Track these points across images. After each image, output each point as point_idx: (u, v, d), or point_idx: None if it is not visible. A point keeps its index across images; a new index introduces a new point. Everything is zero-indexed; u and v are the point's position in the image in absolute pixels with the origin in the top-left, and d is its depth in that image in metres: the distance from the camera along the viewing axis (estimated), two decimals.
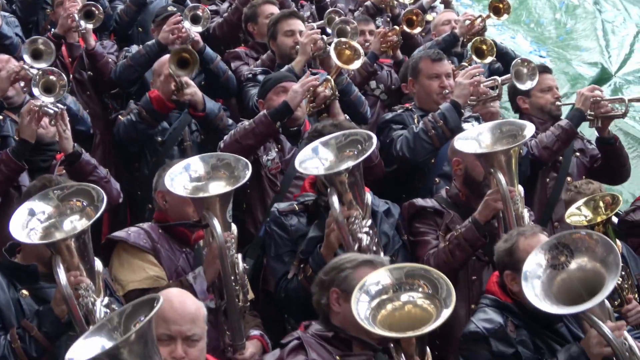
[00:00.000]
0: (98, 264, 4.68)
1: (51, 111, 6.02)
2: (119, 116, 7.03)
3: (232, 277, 4.97)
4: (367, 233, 5.09)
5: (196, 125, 7.13)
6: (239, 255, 5.03)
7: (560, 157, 7.05)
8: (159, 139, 7.00)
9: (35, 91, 6.35)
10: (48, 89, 6.38)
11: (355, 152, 5.16)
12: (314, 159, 5.24)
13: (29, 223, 4.54)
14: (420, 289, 4.10)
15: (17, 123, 6.73)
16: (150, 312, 3.49)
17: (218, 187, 5.03)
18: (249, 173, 5.03)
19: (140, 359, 3.45)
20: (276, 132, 6.55)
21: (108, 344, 3.45)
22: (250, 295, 5.54)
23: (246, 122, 6.53)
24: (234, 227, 5.09)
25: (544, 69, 7.44)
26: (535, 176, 6.97)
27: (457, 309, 5.32)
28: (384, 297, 4.11)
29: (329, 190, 5.07)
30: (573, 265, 4.32)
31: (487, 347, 4.78)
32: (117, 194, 6.31)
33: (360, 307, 4.08)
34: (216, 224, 4.85)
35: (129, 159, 7.07)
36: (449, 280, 4.11)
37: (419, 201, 5.86)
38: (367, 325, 4.02)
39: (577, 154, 7.21)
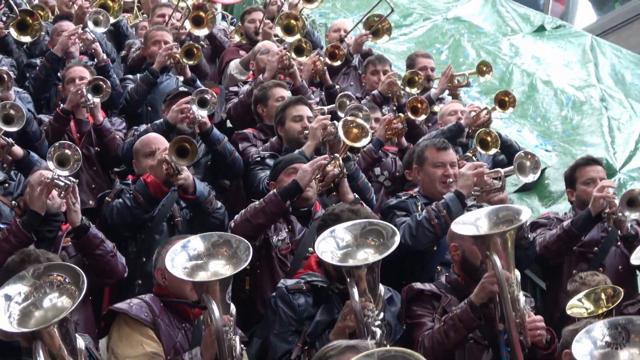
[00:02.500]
0: (80, 342, 4.61)
1: (62, 183, 6.07)
2: (107, 197, 6.96)
3: None
4: (380, 327, 5.07)
5: (185, 203, 7.10)
6: (237, 338, 4.97)
7: (595, 248, 7.02)
8: (147, 215, 6.92)
9: (50, 164, 6.40)
10: (62, 162, 6.44)
11: (376, 243, 5.17)
12: (331, 240, 5.25)
13: (7, 308, 4.40)
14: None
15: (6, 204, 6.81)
16: None
17: (218, 266, 5.00)
18: (250, 256, 4.98)
19: None
20: (286, 211, 6.57)
21: None
22: None
23: (257, 202, 6.55)
24: (232, 308, 5.04)
25: (587, 162, 7.46)
26: (560, 267, 7.00)
27: None
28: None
29: (348, 281, 5.05)
30: (624, 351, 4.27)
31: None
32: (122, 269, 6.30)
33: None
34: (214, 308, 4.80)
35: (116, 236, 6.89)
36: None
37: (418, 285, 5.85)
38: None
39: (619, 243, 7.14)
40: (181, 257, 5.03)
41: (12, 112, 7.32)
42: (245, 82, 9.92)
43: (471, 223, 5.49)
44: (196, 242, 5.08)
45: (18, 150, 7.32)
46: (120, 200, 6.81)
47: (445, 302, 5.66)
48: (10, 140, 6.84)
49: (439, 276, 6.40)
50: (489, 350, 5.59)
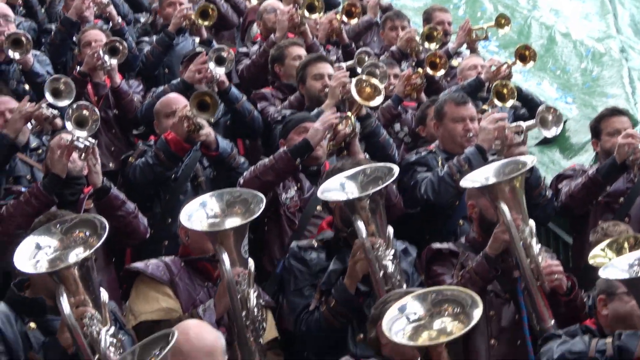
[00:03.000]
0: (104, 295, 4.66)
1: (81, 145, 6.07)
2: (130, 158, 7.01)
3: (244, 313, 4.92)
4: (391, 261, 5.14)
5: (208, 160, 7.15)
6: (253, 291, 4.98)
7: (621, 199, 6.97)
8: (172, 176, 6.97)
9: (68, 125, 6.40)
10: (80, 123, 6.44)
11: (378, 185, 5.23)
12: (338, 191, 5.30)
13: (35, 255, 4.55)
14: (447, 313, 4.15)
15: (26, 164, 6.85)
16: (165, 346, 3.51)
17: (233, 223, 5.02)
18: (262, 207, 5.01)
19: None
20: (296, 169, 6.57)
21: None
22: (273, 334, 5.56)
23: (266, 159, 6.57)
24: (250, 262, 5.05)
25: (612, 112, 7.39)
26: (586, 218, 6.95)
27: (477, 344, 5.53)
28: (420, 323, 4.15)
29: (353, 217, 5.10)
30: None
31: (557, 340, 5.03)
32: (144, 229, 6.32)
33: (396, 326, 4.14)
34: (225, 258, 4.83)
35: (141, 197, 6.96)
36: (470, 293, 4.20)
37: (436, 245, 5.88)
38: (396, 338, 4.08)
39: None
40: (199, 214, 5.06)
41: (61, 86, 7.29)
42: (253, 43, 9.89)
43: (479, 178, 5.51)
44: (212, 203, 5.10)
45: (58, 121, 7.31)
46: (143, 159, 6.84)
47: (463, 258, 5.68)
48: (56, 112, 6.82)
49: (462, 230, 6.41)
50: (510, 303, 5.61)
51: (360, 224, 5.08)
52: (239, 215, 5.03)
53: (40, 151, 7.04)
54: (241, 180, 6.48)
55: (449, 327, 4.12)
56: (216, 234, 4.92)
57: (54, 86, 7.23)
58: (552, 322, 5.35)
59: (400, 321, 4.18)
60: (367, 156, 7.05)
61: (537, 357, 5.28)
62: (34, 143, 7.07)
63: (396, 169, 5.26)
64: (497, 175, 5.42)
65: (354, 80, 7.13)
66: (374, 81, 7.28)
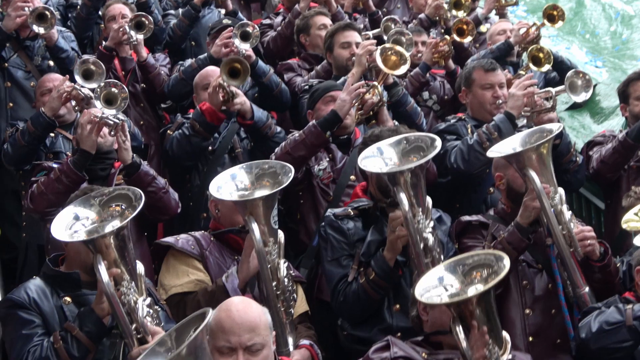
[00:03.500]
0: (140, 267, 4.70)
1: (111, 122, 6.11)
2: (168, 131, 7.07)
3: (274, 283, 4.93)
4: (431, 233, 5.11)
5: (245, 132, 7.17)
6: (283, 262, 4.99)
7: None
8: (210, 148, 7.01)
9: (97, 103, 6.42)
10: (109, 101, 6.45)
11: (419, 157, 5.16)
12: (377, 158, 5.24)
13: (72, 226, 4.59)
14: (477, 279, 4.14)
15: (68, 140, 6.88)
16: (200, 325, 3.49)
17: (262, 194, 5.03)
18: (291, 176, 5.00)
19: None
20: (327, 142, 6.57)
21: None
22: (303, 308, 5.58)
23: (296, 134, 6.57)
24: (280, 234, 5.06)
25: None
26: (618, 183, 6.91)
27: (510, 314, 5.51)
28: (454, 291, 4.15)
29: (395, 188, 5.05)
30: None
31: (595, 312, 5.07)
32: (175, 204, 6.36)
33: (433, 292, 4.15)
34: (254, 227, 4.83)
35: (180, 170, 7.09)
36: (494, 251, 4.23)
37: (465, 217, 5.86)
38: (427, 300, 4.11)
39: None
40: (228, 186, 5.06)
41: (92, 67, 7.30)
42: (276, 14, 9.85)
43: (506, 149, 5.47)
44: (241, 175, 5.10)
45: (95, 103, 7.38)
46: (180, 131, 6.89)
47: (493, 229, 5.66)
48: (89, 93, 6.82)
49: (492, 198, 6.38)
50: (542, 273, 5.59)
51: (403, 197, 5.01)
52: (268, 187, 5.03)
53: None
54: (273, 157, 6.49)
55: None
56: (245, 204, 4.92)
57: (84, 68, 7.23)
58: (587, 288, 5.34)
59: (436, 290, 4.17)
60: (396, 123, 7.02)
61: (575, 329, 5.29)
62: None
63: (439, 141, 5.18)
64: (523, 144, 5.38)
65: (378, 48, 7.09)
66: (399, 49, 7.21)
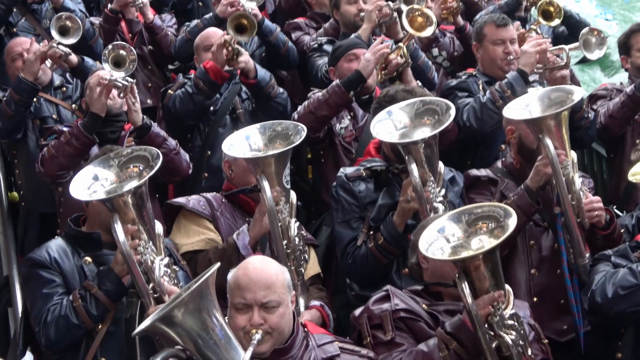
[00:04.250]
0: (158, 227, 4.71)
1: (120, 84, 6.08)
2: (169, 90, 7.00)
3: (285, 242, 4.95)
4: (442, 202, 5.11)
5: (246, 93, 7.13)
6: (294, 221, 5.00)
7: None
8: (211, 108, 6.97)
9: (106, 66, 6.40)
10: (117, 64, 6.43)
11: (432, 121, 5.14)
12: (388, 122, 5.22)
13: (91, 186, 4.61)
14: (482, 230, 4.13)
15: (51, 103, 6.91)
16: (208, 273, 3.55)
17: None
18: (304, 134, 5.01)
19: (194, 318, 3.52)
20: (350, 102, 6.55)
21: None
22: (315, 270, 5.59)
23: (319, 93, 6.54)
24: (293, 194, 5.07)
25: None
26: (623, 137, 6.87)
27: (516, 274, 5.51)
28: (459, 242, 4.13)
29: (406, 158, 5.04)
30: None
31: (607, 262, 5.08)
32: (186, 165, 6.37)
33: (435, 245, 4.13)
34: (266, 185, 4.83)
35: (181, 131, 7.04)
36: (502, 205, 4.19)
37: (473, 172, 5.85)
38: (433, 255, 4.08)
39: None
40: (242, 145, 5.06)
41: (68, 23, 7.25)
42: None
43: (523, 107, 5.41)
44: (255, 136, 5.10)
45: (73, 58, 7.35)
46: (183, 89, 6.86)
47: (502, 186, 5.63)
48: (67, 49, 6.82)
49: (504, 155, 6.33)
50: (548, 232, 5.58)
51: (414, 167, 5.02)
52: (280, 148, 5.02)
53: (64, 89, 7.10)
54: (295, 116, 6.49)
55: (487, 243, 4.09)
56: (257, 161, 4.93)
57: (60, 24, 7.20)
58: (588, 256, 5.36)
59: (438, 242, 4.15)
60: (420, 84, 6.99)
61: (575, 295, 5.32)
62: (57, 81, 7.10)
63: (453, 108, 5.17)
64: (542, 102, 5.33)
65: (405, 10, 7.06)
66: (426, 11, 7.22)
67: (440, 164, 5.25)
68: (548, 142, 5.15)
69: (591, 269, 5.17)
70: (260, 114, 6.86)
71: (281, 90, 7.08)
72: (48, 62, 6.90)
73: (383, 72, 6.86)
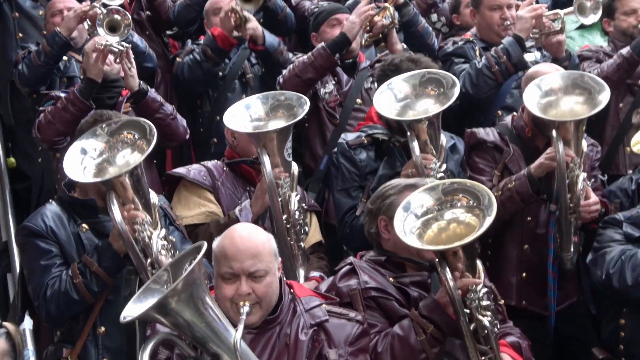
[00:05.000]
0: (153, 197, 4.71)
1: (116, 49, 6.07)
2: (177, 58, 7.03)
3: (285, 216, 4.98)
4: (442, 179, 5.08)
5: (255, 58, 7.14)
6: (295, 195, 5.03)
7: (639, 81, 6.88)
8: (220, 74, 6.99)
9: (100, 31, 6.38)
10: (113, 28, 6.42)
11: (437, 93, 5.17)
12: (388, 93, 5.26)
13: (82, 161, 4.58)
14: (459, 203, 4.11)
15: (81, 64, 6.83)
16: (195, 258, 3.55)
17: (277, 126, 5.04)
18: (306, 108, 5.04)
19: (188, 306, 3.53)
20: (335, 64, 6.57)
21: None
22: (317, 238, 5.63)
23: (304, 56, 6.55)
24: (294, 166, 5.09)
25: None
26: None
27: (508, 249, 5.53)
28: (429, 216, 4.11)
29: (408, 134, 5.07)
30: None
31: (618, 229, 5.08)
32: (183, 131, 6.36)
33: (406, 226, 4.08)
34: (266, 160, 4.86)
35: (191, 97, 7.09)
36: (488, 190, 4.13)
37: (481, 132, 5.78)
38: (411, 241, 4.05)
39: None
40: (243, 116, 5.07)
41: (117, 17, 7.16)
42: None
43: (539, 85, 5.36)
44: (256, 105, 5.12)
45: None
46: (191, 56, 6.87)
47: (507, 157, 5.61)
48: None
49: (500, 121, 6.33)
50: (546, 205, 5.57)
51: (415, 145, 5.05)
52: (282, 118, 5.05)
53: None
54: (280, 79, 6.51)
55: (462, 217, 4.09)
56: (259, 136, 4.94)
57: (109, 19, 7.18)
58: (573, 251, 5.42)
59: (408, 220, 4.13)
60: (405, 47, 6.98)
61: (562, 273, 5.41)
62: None
63: (458, 86, 5.18)
64: (565, 81, 5.31)
65: None
66: None
67: (442, 137, 5.27)
68: (559, 146, 5.12)
69: (600, 234, 5.18)
70: (270, 79, 6.88)
71: (290, 55, 7.06)
72: (87, 25, 6.88)
73: (368, 34, 6.86)
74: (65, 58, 6.88)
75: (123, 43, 6.16)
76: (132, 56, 6.14)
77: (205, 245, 3.69)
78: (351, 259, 4.58)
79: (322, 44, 6.53)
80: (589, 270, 5.22)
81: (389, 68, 5.63)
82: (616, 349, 5.11)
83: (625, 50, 6.73)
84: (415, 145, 5.04)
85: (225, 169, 5.59)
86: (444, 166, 5.20)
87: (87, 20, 6.79)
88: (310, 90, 6.54)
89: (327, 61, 6.45)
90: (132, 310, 3.59)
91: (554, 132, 5.15)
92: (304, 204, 5.21)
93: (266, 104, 5.12)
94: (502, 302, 4.63)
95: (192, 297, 3.53)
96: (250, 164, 5.52)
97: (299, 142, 6.77)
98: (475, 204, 4.07)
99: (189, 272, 3.48)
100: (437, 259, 4.09)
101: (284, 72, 6.56)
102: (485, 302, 4.10)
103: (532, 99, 5.29)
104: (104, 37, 6.22)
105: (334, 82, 6.66)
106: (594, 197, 5.41)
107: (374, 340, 4.24)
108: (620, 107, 6.87)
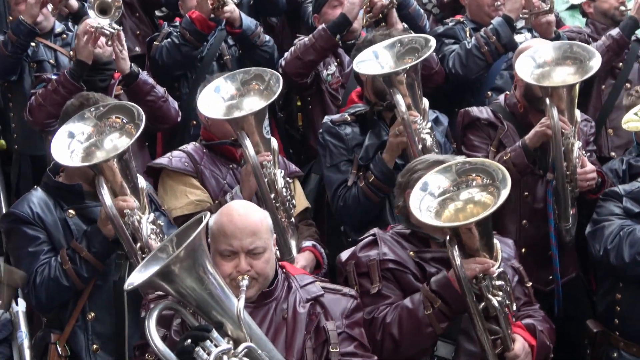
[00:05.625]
0: (141, 181, 4.71)
1: (107, 32, 6.06)
2: (154, 41, 6.96)
3: (272, 195, 5.01)
4: (429, 134, 5.18)
5: (233, 41, 7.12)
6: (278, 172, 5.05)
7: (620, 64, 6.90)
8: (198, 56, 6.95)
9: (91, 13, 6.37)
10: (103, 11, 6.39)
11: (414, 59, 5.19)
12: (373, 62, 5.28)
13: (70, 145, 4.56)
14: (474, 183, 4.13)
15: (50, 48, 6.86)
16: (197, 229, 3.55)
17: (252, 103, 5.05)
18: (280, 85, 5.04)
19: (190, 273, 3.53)
20: (336, 46, 6.58)
21: None
22: (303, 205, 5.64)
23: (306, 39, 6.56)
24: (274, 141, 5.10)
25: None
26: (590, 83, 6.83)
27: (507, 225, 5.54)
28: (446, 196, 4.14)
29: (391, 90, 5.11)
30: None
31: (618, 203, 5.08)
32: (175, 113, 6.36)
33: (423, 204, 4.11)
34: (248, 144, 4.88)
35: (169, 79, 6.99)
36: (500, 166, 4.15)
37: (474, 111, 5.81)
38: (425, 218, 4.08)
39: None
40: (215, 100, 5.08)
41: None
42: None
43: (532, 56, 5.38)
44: (225, 86, 5.12)
45: (74, 3, 7.36)
46: (169, 40, 6.82)
47: (501, 133, 5.64)
48: None
49: (490, 102, 6.36)
50: (543, 180, 5.62)
51: (399, 98, 5.08)
52: (257, 92, 5.08)
53: (64, 36, 7.02)
54: (282, 62, 6.52)
55: (477, 197, 4.11)
56: (237, 121, 4.96)
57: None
58: (571, 221, 5.46)
59: (426, 199, 4.15)
60: (405, 26, 6.99)
61: (562, 244, 5.44)
62: (58, 28, 7.03)
63: (433, 41, 5.23)
64: (557, 53, 5.34)
65: None
66: None
67: (425, 100, 5.31)
68: (554, 111, 5.16)
69: (600, 206, 5.21)
70: (247, 62, 6.86)
71: (267, 38, 7.06)
72: (50, 7, 6.86)
73: (368, 15, 6.85)
74: (33, 44, 6.81)
75: (114, 25, 6.14)
76: (123, 38, 6.13)
77: (209, 215, 3.72)
78: (375, 230, 4.65)
79: (323, 25, 6.54)
80: (587, 243, 5.25)
81: (363, 45, 5.65)
82: (611, 322, 5.14)
83: (615, 32, 6.74)
84: (399, 98, 5.08)
85: (204, 150, 5.57)
86: (429, 124, 5.25)
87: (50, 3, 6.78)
88: (312, 72, 6.57)
89: (328, 42, 6.45)
90: (136, 278, 3.61)
91: (547, 100, 5.18)
92: (288, 178, 5.25)
93: (235, 81, 5.12)
94: (529, 284, 4.67)
95: (195, 264, 3.54)
96: (230, 144, 5.51)
97: (294, 125, 6.82)
98: (489, 182, 4.10)
99: (191, 240, 3.50)
100: (448, 237, 4.14)
101: (286, 54, 6.58)
102: (497, 282, 4.14)
103: (526, 70, 5.31)
104: (94, 19, 6.20)
105: (336, 63, 6.69)
106: (590, 166, 5.43)
107: (384, 311, 4.32)
108: (603, 89, 6.90)
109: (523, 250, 5.48)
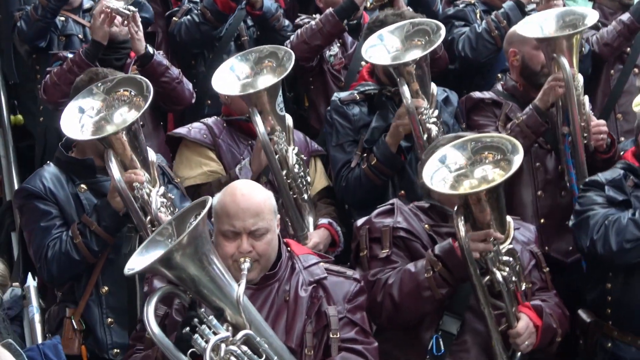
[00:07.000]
0: (151, 154, 4.74)
1: (123, 13, 6.08)
2: (174, 17, 6.97)
3: (284, 172, 5.06)
4: (435, 123, 5.22)
5: (253, 22, 7.14)
6: (292, 149, 5.09)
7: (628, 49, 6.89)
8: (216, 35, 6.97)
9: None
10: None
11: (423, 42, 5.25)
12: (380, 47, 5.33)
13: (80, 120, 4.60)
14: (487, 160, 4.19)
15: (78, 23, 6.87)
16: (200, 213, 3.57)
17: (266, 80, 5.10)
18: (292, 62, 5.10)
19: (192, 260, 3.55)
20: (344, 30, 6.60)
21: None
22: (323, 183, 5.71)
23: (312, 22, 6.57)
24: (289, 118, 5.16)
25: None
26: (599, 68, 6.86)
27: (522, 195, 5.60)
28: (461, 171, 4.20)
29: (398, 80, 5.15)
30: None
31: (601, 192, 4.96)
32: (189, 94, 6.36)
33: (438, 175, 4.19)
34: (258, 120, 4.93)
35: (186, 57, 7.06)
36: (511, 139, 4.21)
37: (476, 94, 5.87)
38: (436, 187, 4.15)
39: None
40: (230, 78, 5.15)
41: None
42: None
43: (537, 23, 5.49)
44: (239, 65, 5.19)
45: None
46: (189, 17, 6.82)
47: (507, 109, 5.67)
48: None
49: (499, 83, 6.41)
50: (552, 154, 5.67)
51: (405, 89, 5.12)
52: (271, 69, 5.13)
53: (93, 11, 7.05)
54: (288, 45, 6.48)
55: (490, 174, 4.16)
56: (249, 96, 5.01)
57: None
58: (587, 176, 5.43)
59: (441, 171, 4.21)
60: (410, 9, 7.00)
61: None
62: (86, 4, 7.05)
63: (443, 29, 5.27)
64: (555, 22, 5.42)
65: None
66: None
67: (433, 85, 5.36)
68: (564, 61, 5.23)
69: (582, 197, 5.12)
70: (265, 43, 6.86)
71: (286, 22, 7.06)
72: None
73: None
74: (62, 18, 6.85)
75: (130, 7, 6.15)
76: (139, 19, 6.13)
77: (211, 200, 3.73)
78: (395, 200, 4.71)
79: (330, 10, 6.53)
80: (573, 235, 5.17)
81: (375, 24, 5.67)
82: (603, 312, 5.06)
83: (625, 17, 6.74)
84: (405, 89, 5.11)
85: (224, 125, 5.64)
86: (436, 112, 5.30)
87: None
88: (317, 56, 6.59)
89: (336, 28, 6.47)
90: (136, 263, 3.62)
91: (560, 57, 5.24)
92: (302, 155, 5.28)
93: (249, 60, 5.17)
94: (546, 270, 4.71)
95: (197, 251, 3.55)
96: (247, 120, 5.53)
97: (302, 105, 6.86)
98: (500, 157, 4.15)
99: (194, 227, 3.50)
100: (456, 206, 4.18)
101: (292, 37, 6.58)
102: (504, 258, 4.20)
103: (532, 33, 5.45)
104: (111, 0, 6.24)
105: (338, 44, 6.71)
106: (600, 120, 5.51)
107: (388, 274, 4.38)
108: (611, 74, 6.88)
109: (542, 220, 5.57)
